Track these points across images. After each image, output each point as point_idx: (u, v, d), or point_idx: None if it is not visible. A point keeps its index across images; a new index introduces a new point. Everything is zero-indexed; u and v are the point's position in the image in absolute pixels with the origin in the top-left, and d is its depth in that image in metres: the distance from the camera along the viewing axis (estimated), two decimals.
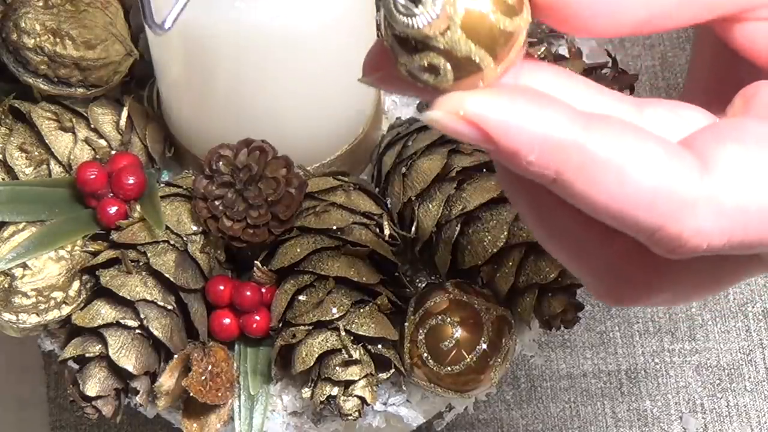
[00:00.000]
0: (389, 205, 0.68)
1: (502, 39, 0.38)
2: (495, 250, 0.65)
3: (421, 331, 0.64)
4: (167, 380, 0.65)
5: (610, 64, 0.71)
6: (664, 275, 0.42)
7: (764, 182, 0.39)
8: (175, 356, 0.65)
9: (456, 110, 0.38)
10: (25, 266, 0.65)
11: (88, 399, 0.64)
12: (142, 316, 0.64)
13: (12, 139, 0.68)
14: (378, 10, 0.39)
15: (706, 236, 0.39)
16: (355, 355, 0.63)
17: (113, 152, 0.68)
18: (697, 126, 0.41)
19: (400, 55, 0.39)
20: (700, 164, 0.39)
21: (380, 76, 0.41)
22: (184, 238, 0.65)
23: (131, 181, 0.66)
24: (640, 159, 0.38)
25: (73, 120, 0.68)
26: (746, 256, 0.42)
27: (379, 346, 0.64)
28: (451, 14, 0.38)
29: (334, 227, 0.65)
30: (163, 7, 0.48)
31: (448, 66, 0.38)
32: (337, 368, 0.63)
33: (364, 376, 0.64)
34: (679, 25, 0.40)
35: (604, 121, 0.39)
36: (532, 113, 0.38)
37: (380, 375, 0.64)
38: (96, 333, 0.64)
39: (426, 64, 0.39)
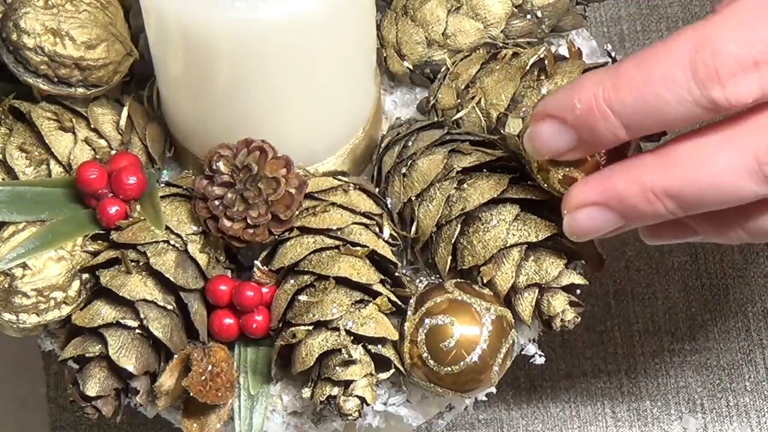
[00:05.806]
0: (389, 205, 0.68)
1: None
2: (495, 250, 0.65)
3: (421, 331, 0.64)
4: (167, 380, 0.65)
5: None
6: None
7: None
8: (175, 356, 0.65)
9: None
10: (25, 266, 0.65)
11: (88, 399, 0.64)
12: (142, 316, 0.64)
13: (12, 139, 0.68)
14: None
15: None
16: (355, 355, 0.63)
17: (113, 152, 0.68)
18: None
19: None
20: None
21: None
22: (184, 238, 0.65)
23: (131, 181, 0.66)
24: None
25: (73, 120, 0.68)
26: None
27: (379, 346, 0.64)
28: None
29: (334, 227, 0.65)
30: None
31: None
32: (337, 368, 0.63)
33: (364, 376, 0.64)
34: None
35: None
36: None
37: (380, 375, 0.64)
38: (96, 333, 0.64)
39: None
